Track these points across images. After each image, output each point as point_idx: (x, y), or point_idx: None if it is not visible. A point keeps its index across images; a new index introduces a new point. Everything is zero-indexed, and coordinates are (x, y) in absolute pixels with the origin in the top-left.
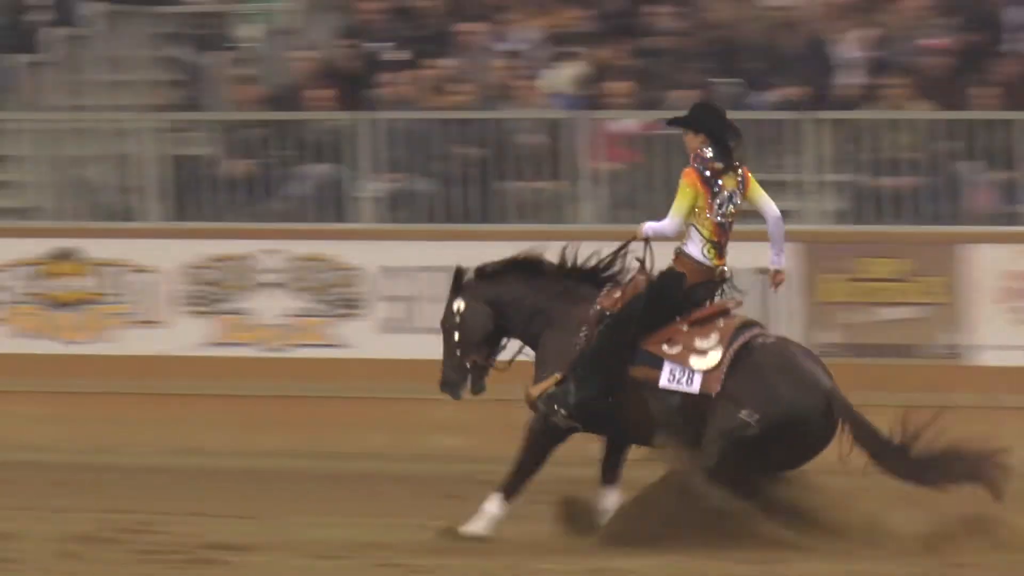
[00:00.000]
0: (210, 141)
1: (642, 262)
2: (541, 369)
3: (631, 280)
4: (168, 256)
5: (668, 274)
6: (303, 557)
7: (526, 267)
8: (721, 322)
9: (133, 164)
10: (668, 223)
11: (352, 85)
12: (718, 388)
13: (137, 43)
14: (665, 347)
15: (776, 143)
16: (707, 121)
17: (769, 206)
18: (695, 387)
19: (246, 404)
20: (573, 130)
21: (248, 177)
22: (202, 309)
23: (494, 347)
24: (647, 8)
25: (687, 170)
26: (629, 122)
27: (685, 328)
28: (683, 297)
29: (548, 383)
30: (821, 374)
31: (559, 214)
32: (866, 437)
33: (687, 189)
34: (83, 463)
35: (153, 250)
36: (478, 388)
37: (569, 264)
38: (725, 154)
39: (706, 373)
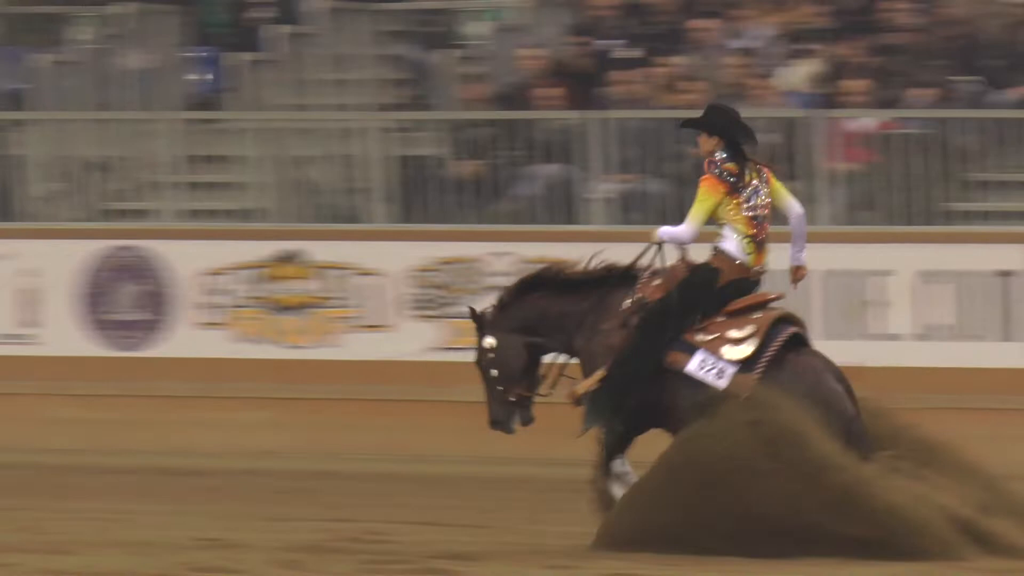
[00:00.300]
0: (437, 141)
1: (684, 251)
2: (587, 370)
3: (671, 268)
4: (394, 259)
5: (702, 269)
6: (534, 567)
7: (541, 282)
8: (758, 313)
9: (358, 165)
10: (684, 229)
11: (582, 83)
12: (747, 393)
13: (362, 41)
14: (700, 335)
15: (1017, 142)
16: (721, 124)
17: (792, 203)
18: (724, 382)
19: (474, 410)
20: (809, 129)
21: (476, 178)
22: (429, 313)
23: (533, 375)
24: (885, 4)
25: (704, 177)
26: (867, 121)
27: (721, 319)
28: (715, 295)
29: (592, 380)
30: (847, 401)
31: None
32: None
33: (706, 195)
34: (307, 470)
35: (379, 253)
36: (527, 419)
37: (588, 268)
38: (739, 156)
39: (738, 372)
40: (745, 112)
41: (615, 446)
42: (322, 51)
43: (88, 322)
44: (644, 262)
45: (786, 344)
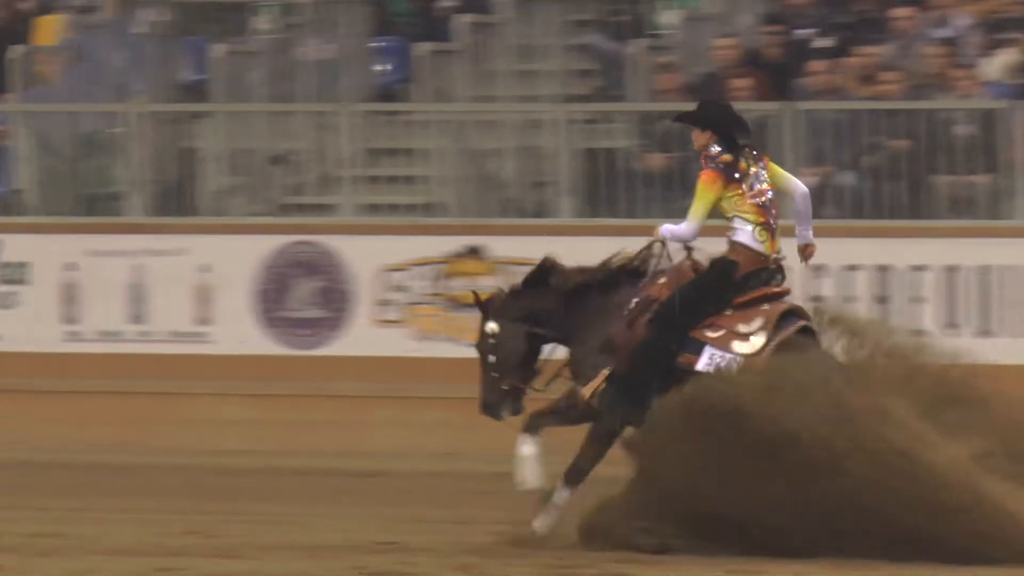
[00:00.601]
0: (626, 133)
1: (689, 249)
2: (588, 368)
3: (676, 267)
4: (579, 254)
5: (721, 261)
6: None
7: (550, 275)
8: (766, 306)
9: (543, 158)
10: (686, 227)
11: (776, 74)
12: None
13: (549, 31)
14: (708, 332)
15: None
16: (714, 117)
17: (795, 183)
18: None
19: None
20: (1009, 121)
21: (665, 171)
22: None
23: (530, 366)
24: None
25: (703, 172)
26: None
27: (729, 312)
28: (736, 286)
29: (598, 380)
30: (849, 396)
31: (994, 210)
32: None
33: (705, 191)
34: (487, 472)
35: (563, 248)
36: (516, 410)
37: (597, 265)
38: (733, 147)
39: (747, 360)
40: (943, 103)
41: (601, 445)
42: (508, 41)
43: (263, 320)
44: (649, 260)
45: (796, 335)
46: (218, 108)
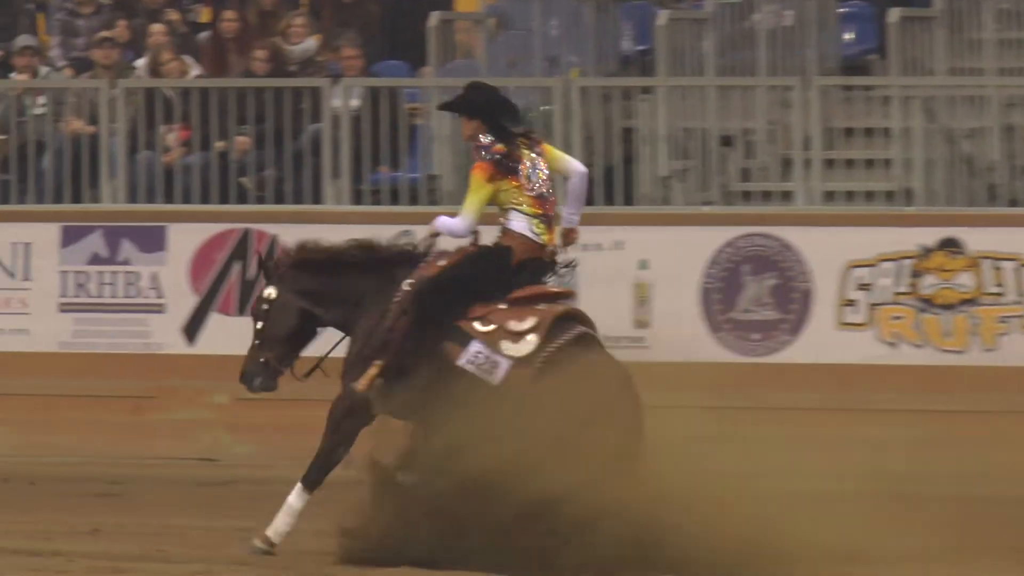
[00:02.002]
0: None
1: (475, 234)
2: (360, 360)
3: (459, 249)
4: None
5: (495, 247)
6: None
7: (347, 254)
8: (543, 306)
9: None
10: (459, 222)
11: None
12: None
13: None
14: (478, 324)
15: None
16: (480, 104)
17: (573, 164)
18: (496, 379)
19: None
20: None
21: None
22: None
23: (295, 346)
24: None
25: (476, 164)
26: None
27: (503, 307)
28: (510, 272)
29: (372, 373)
30: (630, 413)
31: None
32: None
33: (480, 184)
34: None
35: None
36: (268, 386)
37: (385, 248)
38: (505, 135)
39: (513, 366)
40: None
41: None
42: (993, 5)
43: (709, 323)
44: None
45: (573, 343)
46: (662, 83)
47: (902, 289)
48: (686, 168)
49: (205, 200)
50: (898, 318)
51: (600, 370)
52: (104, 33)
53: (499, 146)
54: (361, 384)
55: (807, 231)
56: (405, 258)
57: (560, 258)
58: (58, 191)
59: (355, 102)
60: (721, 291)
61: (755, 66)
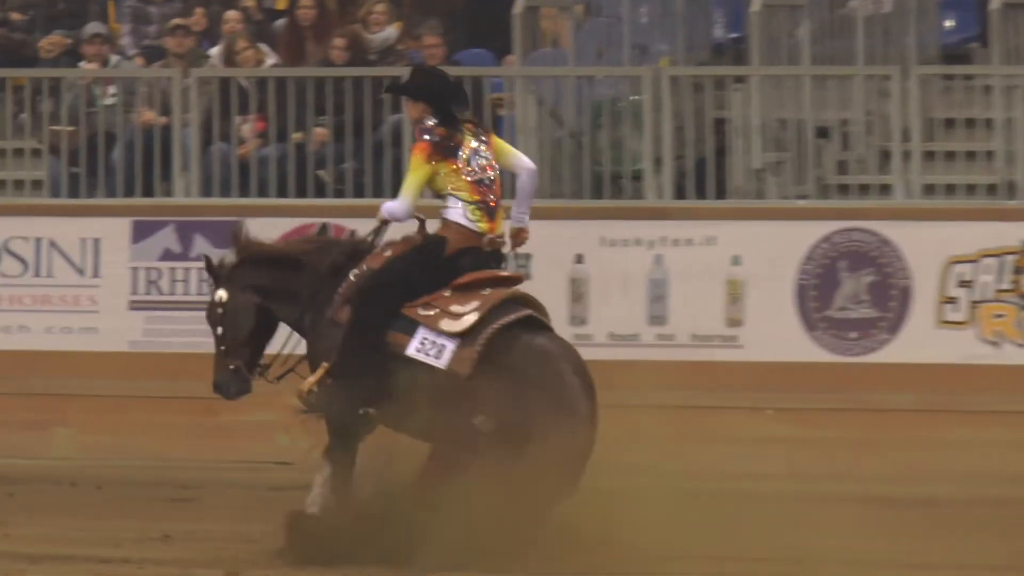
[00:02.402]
0: None
1: (422, 221)
2: (312, 360)
3: (403, 239)
4: None
5: (430, 238)
6: None
7: (297, 248)
8: (488, 290)
9: None
10: (398, 204)
11: None
12: (468, 371)
13: None
14: (421, 311)
15: None
16: (426, 88)
17: (521, 160)
18: (443, 362)
19: None
20: None
21: None
22: None
23: (259, 345)
24: None
25: (416, 145)
26: None
27: (448, 293)
28: (445, 263)
29: (319, 374)
30: (583, 400)
31: None
32: None
33: (417, 164)
34: None
35: None
36: (243, 390)
37: (336, 242)
38: (450, 119)
39: (458, 346)
40: None
41: (342, 450)
42: None
43: (804, 321)
44: (378, 238)
45: (520, 325)
46: (755, 72)
47: (1004, 286)
48: (780, 160)
49: (281, 194)
50: (1000, 316)
51: (548, 351)
52: (177, 20)
53: (441, 129)
54: (304, 386)
55: (906, 226)
56: (356, 251)
57: (505, 249)
58: (129, 185)
59: None
60: (817, 288)
61: (852, 55)
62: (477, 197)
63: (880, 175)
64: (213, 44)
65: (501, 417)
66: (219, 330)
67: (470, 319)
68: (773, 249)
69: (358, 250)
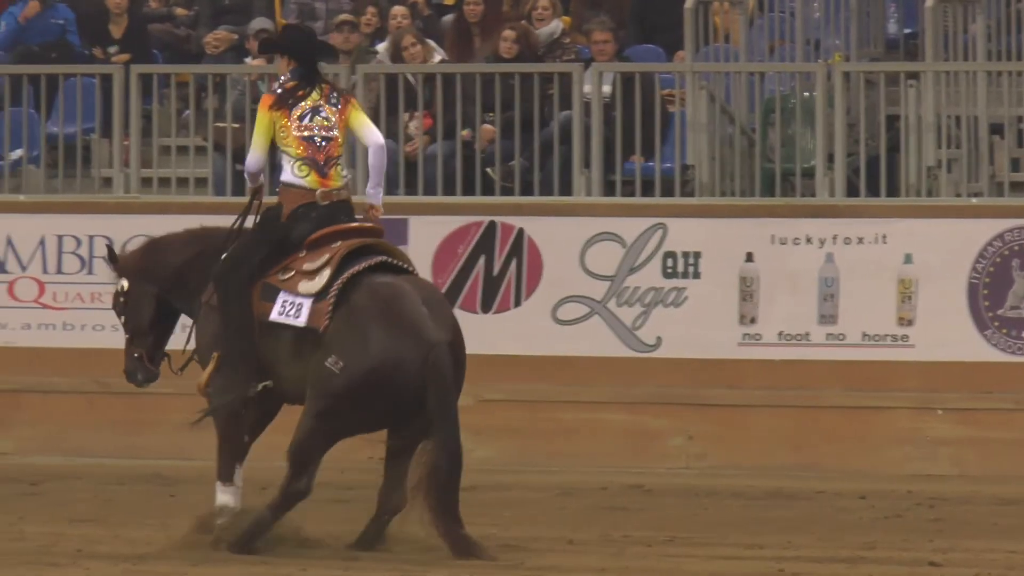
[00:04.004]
0: None
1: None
2: (200, 345)
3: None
4: None
5: (265, 208)
6: None
7: (192, 237)
8: (338, 243)
9: None
10: (248, 158)
11: None
12: (325, 323)
13: None
14: (280, 275)
15: None
16: (291, 43)
17: (370, 133)
18: (302, 319)
19: None
20: None
21: None
22: None
23: (160, 337)
24: None
25: (262, 96)
26: None
27: (303, 253)
28: (287, 226)
29: (212, 366)
30: (431, 326)
31: None
32: (439, 418)
33: (260, 117)
34: None
35: None
36: (147, 379)
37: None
38: (310, 73)
39: (313, 303)
40: None
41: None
42: None
43: (976, 320)
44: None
45: (371, 270)
46: (929, 67)
47: None
48: (953, 158)
49: (448, 192)
50: None
51: (393, 286)
52: (343, 16)
53: (291, 83)
54: (201, 380)
55: None
56: (230, 233)
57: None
58: None
59: (607, 88)
60: (988, 287)
61: None
62: (303, 152)
63: None
64: (380, 40)
65: (348, 355)
66: (123, 319)
67: (323, 278)
68: (945, 247)
69: (230, 234)
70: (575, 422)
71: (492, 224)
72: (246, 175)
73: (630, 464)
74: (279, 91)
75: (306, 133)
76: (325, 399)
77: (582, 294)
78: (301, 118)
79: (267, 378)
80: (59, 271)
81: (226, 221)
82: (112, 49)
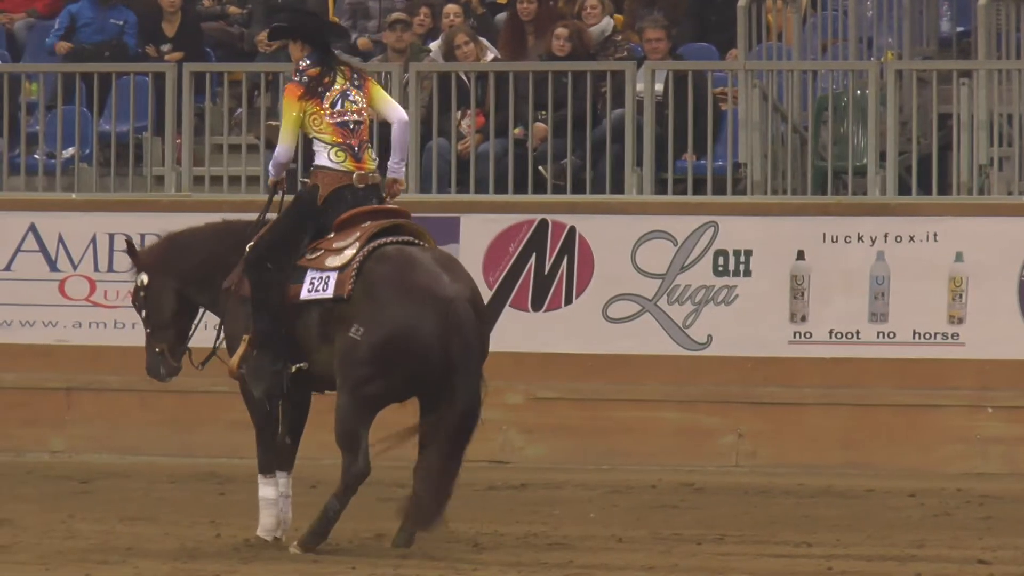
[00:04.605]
0: None
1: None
2: (230, 337)
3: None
4: None
5: (301, 190)
6: None
7: (213, 231)
8: (368, 223)
9: None
10: (278, 150)
11: None
12: (349, 289)
13: None
14: (308, 256)
15: None
16: (303, 27)
17: (394, 110)
18: (330, 291)
19: None
20: None
21: None
22: None
23: (183, 328)
24: None
25: (287, 86)
26: None
27: (331, 235)
28: (322, 209)
29: (243, 349)
30: (447, 283)
31: None
32: (458, 371)
33: (289, 107)
34: None
35: None
36: (171, 371)
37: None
38: (326, 57)
39: (339, 274)
40: None
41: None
42: None
43: None
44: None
45: (392, 244)
46: (981, 66)
47: None
48: (1005, 156)
49: (500, 190)
50: None
51: (410, 254)
52: (396, 15)
53: (313, 70)
54: (232, 364)
55: None
56: (255, 225)
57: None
58: None
59: (659, 86)
60: None
61: None
62: (339, 139)
63: None
64: (433, 39)
65: (367, 321)
66: (143, 313)
67: (350, 252)
68: (996, 245)
69: (255, 227)
70: (626, 420)
71: (544, 222)
72: (272, 167)
73: (681, 462)
74: (305, 80)
75: (340, 119)
76: (353, 368)
77: (633, 292)
78: (333, 104)
79: (301, 360)
80: (110, 269)
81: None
82: (165, 47)
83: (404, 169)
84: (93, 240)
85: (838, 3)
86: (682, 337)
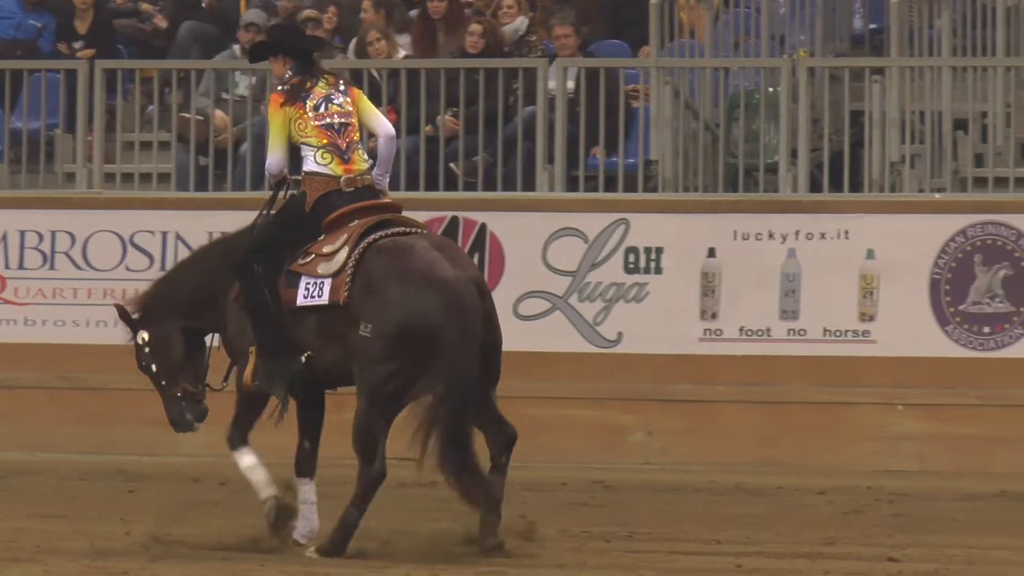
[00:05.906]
0: None
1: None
2: (237, 351)
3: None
4: None
5: (289, 198)
6: None
7: (199, 253)
8: (355, 222)
9: None
10: (269, 161)
11: None
12: (345, 295)
13: None
14: (300, 261)
15: None
16: (283, 41)
17: (381, 123)
18: (325, 297)
19: None
20: None
21: None
22: None
23: (197, 365)
24: None
25: (270, 96)
26: None
27: (322, 237)
28: (312, 215)
29: (252, 361)
30: (446, 266)
31: None
32: (453, 350)
33: (273, 117)
34: None
35: None
36: (199, 414)
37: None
38: (307, 66)
39: (333, 280)
40: None
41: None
42: None
43: (938, 316)
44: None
45: (384, 238)
46: (894, 63)
47: None
48: (917, 153)
49: (412, 187)
50: None
51: (403, 243)
52: (307, 13)
53: (295, 78)
54: (247, 378)
55: None
56: (248, 230)
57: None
58: (257, 178)
59: (571, 83)
60: (951, 282)
61: (992, 46)
62: (324, 140)
63: (1018, 168)
64: (342, 39)
65: (374, 317)
66: (152, 368)
67: (342, 255)
68: (907, 243)
69: (243, 235)
70: (537, 417)
71: (455, 219)
72: (267, 175)
73: (592, 460)
74: (286, 88)
75: (324, 121)
76: (369, 367)
77: (544, 289)
78: (316, 108)
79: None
80: (21, 266)
81: (191, 216)
82: (77, 44)
83: (387, 181)
84: (4, 237)
85: (750, 1)
86: (593, 335)
